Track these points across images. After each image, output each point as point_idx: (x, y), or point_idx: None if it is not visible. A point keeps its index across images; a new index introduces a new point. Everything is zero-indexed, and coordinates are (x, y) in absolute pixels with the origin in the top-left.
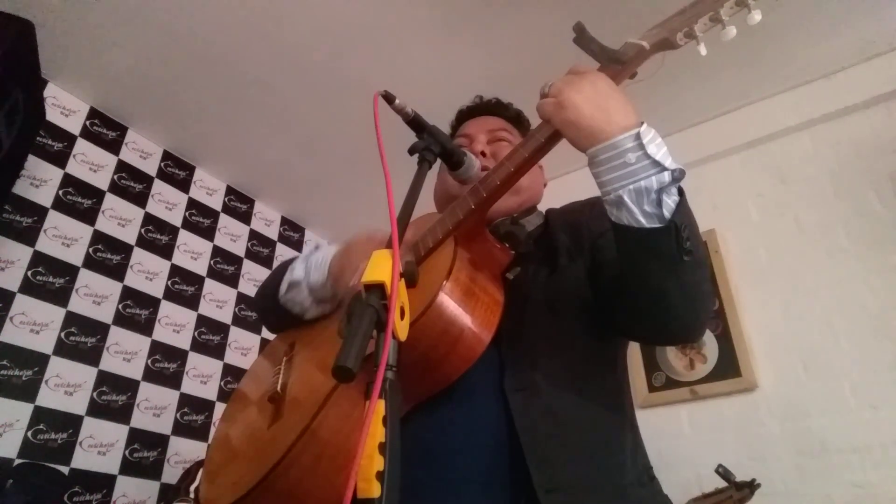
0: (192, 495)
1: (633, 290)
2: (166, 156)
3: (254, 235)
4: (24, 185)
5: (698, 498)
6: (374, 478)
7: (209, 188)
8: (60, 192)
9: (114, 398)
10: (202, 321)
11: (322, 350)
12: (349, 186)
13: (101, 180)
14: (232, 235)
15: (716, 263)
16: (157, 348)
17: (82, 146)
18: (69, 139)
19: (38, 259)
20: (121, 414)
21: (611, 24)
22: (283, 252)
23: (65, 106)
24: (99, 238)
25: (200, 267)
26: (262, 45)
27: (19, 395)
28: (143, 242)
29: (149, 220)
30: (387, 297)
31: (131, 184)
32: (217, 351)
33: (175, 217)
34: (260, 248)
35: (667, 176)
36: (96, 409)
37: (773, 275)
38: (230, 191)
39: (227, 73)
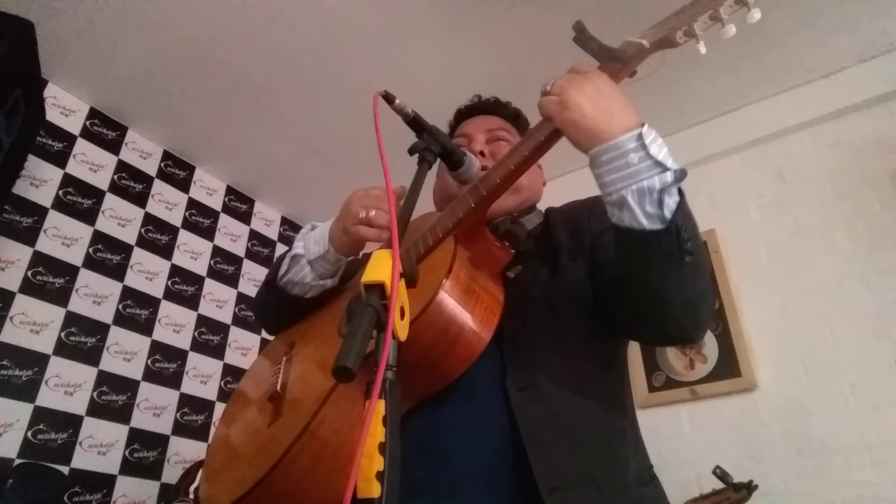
0: (191, 496)
1: (634, 291)
2: (166, 156)
3: (254, 235)
4: (24, 185)
5: (696, 499)
6: (374, 478)
7: (209, 188)
8: (60, 192)
9: (114, 398)
10: (202, 321)
11: (322, 350)
12: (349, 186)
13: (101, 180)
14: (232, 235)
15: (716, 263)
16: (157, 348)
17: (82, 146)
18: (69, 139)
19: (38, 259)
20: (121, 414)
21: (610, 23)
22: (283, 252)
23: (65, 106)
24: (99, 238)
25: (200, 267)
26: (262, 45)
27: (19, 395)
28: (143, 242)
29: (149, 220)
30: (387, 297)
31: (131, 184)
32: (217, 351)
33: (175, 217)
34: (260, 248)
35: (669, 176)
36: (96, 409)
37: (773, 275)
38: (230, 191)
39: (227, 73)
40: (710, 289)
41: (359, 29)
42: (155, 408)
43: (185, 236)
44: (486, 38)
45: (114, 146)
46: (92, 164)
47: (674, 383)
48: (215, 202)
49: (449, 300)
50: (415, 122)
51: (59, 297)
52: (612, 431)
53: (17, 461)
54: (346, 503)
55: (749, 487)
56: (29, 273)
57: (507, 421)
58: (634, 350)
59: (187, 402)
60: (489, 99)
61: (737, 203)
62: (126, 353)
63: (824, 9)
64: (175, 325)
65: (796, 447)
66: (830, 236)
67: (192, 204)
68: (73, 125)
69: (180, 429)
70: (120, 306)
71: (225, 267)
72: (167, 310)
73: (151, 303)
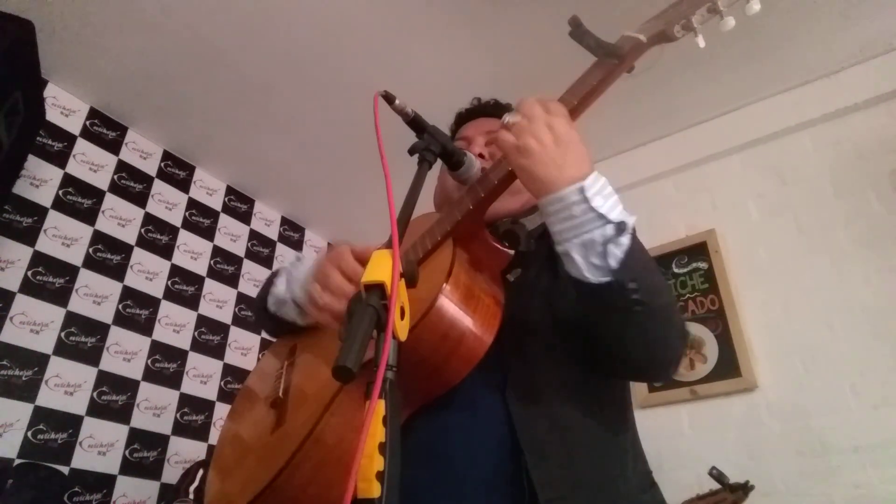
0: (191, 496)
1: (595, 336)
2: (166, 156)
3: (254, 235)
4: (24, 185)
5: (692, 500)
6: (374, 478)
7: (209, 188)
8: (60, 192)
9: (114, 398)
10: (202, 321)
11: (324, 353)
12: (349, 186)
13: (101, 180)
14: (232, 235)
15: (716, 263)
16: (157, 348)
17: (82, 146)
18: (69, 139)
19: (38, 259)
20: (121, 414)
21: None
22: (283, 252)
23: (65, 106)
24: (99, 238)
25: (200, 267)
26: (262, 44)
27: (19, 395)
28: (143, 242)
29: (149, 220)
30: (387, 297)
31: (131, 184)
32: (217, 351)
33: (175, 217)
34: (260, 248)
35: (610, 229)
36: (96, 409)
37: (773, 275)
38: (230, 191)
39: (227, 73)
40: (676, 331)
41: (359, 29)
42: (155, 408)
43: (185, 236)
44: (486, 39)
45: (114, 146)
46: (92, 164)
47: (674, 383)
48: (215, 202)
49: (449, 304)
50: (415, 123)
51: (59, 297)
52: (612, 438)
53: (17, 461)
54: (346, 503)
55: (745, 488)
56: (29, 273)
57: (508, 428)
58: None
59: (187, 402)
60: (489, 101)
61: (737, 203)
62: (126, 353)
63: (824, 9)
64: (175, 325)
65: (796, 447)
66: (830, 236)
67: (192, 204)
68: (73, 125)
69: (180, 429)
70: (120, 306)
71: (225, 267)
72: (167, 310)
73: (151, 303)
